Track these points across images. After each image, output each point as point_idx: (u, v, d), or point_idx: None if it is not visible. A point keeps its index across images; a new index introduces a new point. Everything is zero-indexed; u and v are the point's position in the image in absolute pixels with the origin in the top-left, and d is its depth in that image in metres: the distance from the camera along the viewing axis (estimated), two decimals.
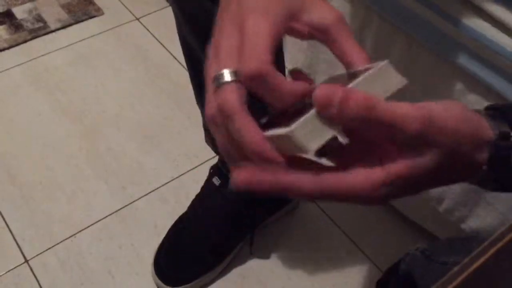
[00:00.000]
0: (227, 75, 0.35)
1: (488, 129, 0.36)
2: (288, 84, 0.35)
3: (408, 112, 0.32)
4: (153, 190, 1.06)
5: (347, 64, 0.38)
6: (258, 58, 0.34)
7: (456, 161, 0.35)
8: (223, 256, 0.95)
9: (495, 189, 0.39)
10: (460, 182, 0.38)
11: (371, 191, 0.34)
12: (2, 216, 1.00)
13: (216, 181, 0.93)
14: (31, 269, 0.94)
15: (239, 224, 0.94)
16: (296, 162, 0.34)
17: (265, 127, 0.35)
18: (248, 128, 0.34)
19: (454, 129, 0.34)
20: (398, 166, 0.34)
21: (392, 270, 0.92)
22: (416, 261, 0.86)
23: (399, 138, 0.33)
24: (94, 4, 1.42)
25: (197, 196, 0.97)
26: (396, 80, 0.35)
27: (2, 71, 1.25)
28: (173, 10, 0.77)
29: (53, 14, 1.38)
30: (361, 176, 0.34)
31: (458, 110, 0.35)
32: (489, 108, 0.39)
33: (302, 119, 0.32)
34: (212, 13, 0.68)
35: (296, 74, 0.41)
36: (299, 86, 0.36)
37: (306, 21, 0.38)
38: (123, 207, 1.04)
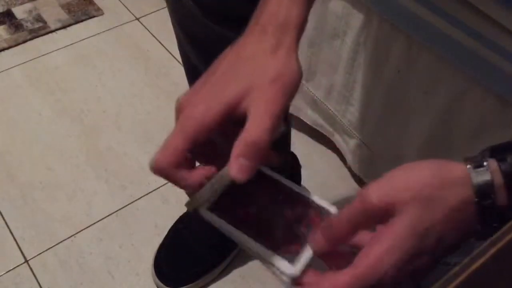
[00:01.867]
0: None
1: (456, 164, 0.38)
2: (186, 177, 0.41)
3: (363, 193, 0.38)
4: (153, 190, 1.06)
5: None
6: (164, 156, 0.40)
7: (435, 208, 0.36)
8: (223, 256, 0.94)
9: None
10: (467, 236, 0.38)
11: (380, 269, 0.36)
12: (2, 216, 1.00)
13: None
14: (31, 269, 0.94)
15: None
16: None
17: None
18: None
19: (414, 179, 0.37)
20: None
21: None
22: None
23: (365, 222, 0.38)
24: (94, 4, 1.42)
25: None
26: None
27: (2, 71, 1.25)
28: (174, 29, 0.78)
29: (53, 14, 1.38)
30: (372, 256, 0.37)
31: (416, 164, 0.38)
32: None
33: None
34: (214, 32, 0.69)
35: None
36: (197, 176, 0.41)
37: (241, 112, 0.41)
38: (123, 207, 1.04)
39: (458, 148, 0.82)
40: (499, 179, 0.36)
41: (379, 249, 0.36)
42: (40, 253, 0.96)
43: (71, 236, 0.99)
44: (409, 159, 0.92)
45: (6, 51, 1.29)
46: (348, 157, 1.07)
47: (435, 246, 0.37)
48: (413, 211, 0.36)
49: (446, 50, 0.74)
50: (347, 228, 0.38)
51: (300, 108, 1.11)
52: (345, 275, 0.37)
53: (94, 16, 1.39)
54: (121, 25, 1.39)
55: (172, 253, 0.94)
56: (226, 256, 0.95)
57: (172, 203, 1.05)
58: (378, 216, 0.37)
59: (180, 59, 1.31)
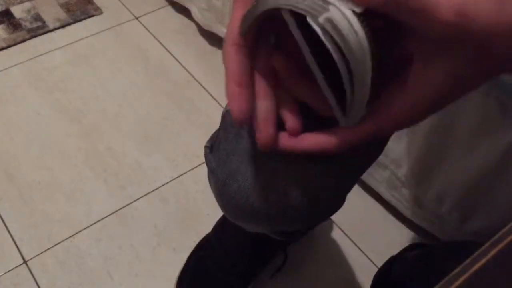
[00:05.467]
0: None
1: None
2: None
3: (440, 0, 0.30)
4: (152, 190, 1.06)
5: None
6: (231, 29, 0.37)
7: (487, 58, 0.32)
8: (249, 281, 0.91)
9: None
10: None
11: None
12: (1, 217, 1.00)
13: None
14: (30, 270, 0.94)
15: (267, 249, 0.91)
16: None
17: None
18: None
19: (487, 22, 0.31)
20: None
21: (383, 273, 0.92)
22: (411, 267, 0.85)
23: (429, 28, 0.31)
24: (93, 3, 1.42)
25: (219, 222, 0.91)
26: None
27: (1, 70, 1.25)
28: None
29: (51, 13, 1.38)
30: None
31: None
32: None
33: None
34: None
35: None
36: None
37: None
38: (123, 207, 1.03)
39: (457, 150, 0.82)
40: None
41: (407, 100, 0.34)
42: (39, 254, 0.96)
43: (70, 236, 0.98)
44: (409, 160, 0.92)
45: (4, 50, 1.29)
46: None
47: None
48: (460, 51, 0.31)
49: None
50: None
51: None
52: (364, 125, 0.35)
53: (93, 15, 1.39)
54: (120, 24, 1.38)
55: (198, 283, 0.90)
56: (252, 281, 0.91)
57: (171, 203, 1.04)
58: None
59: (179, 58, 1.31)
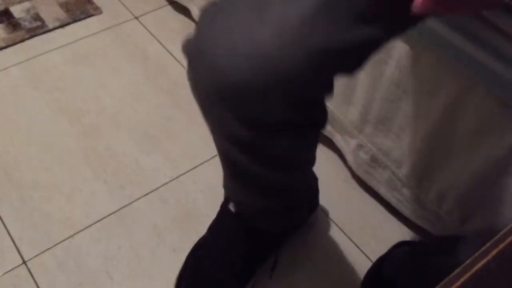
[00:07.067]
0: None
1: None
2: None
3: None
4: (152, 191, 1.06)
5: None
6: None
7: None
8: (247, 281, 0.91)
9: None
10: None
11: None
12: (0, 217, 1.00)
13: (232, 207, 0.87)
14: (29, 270, 0.94)
15: (262, 247, 0.91)
16: None
17: None
18: None
19: None
20: None
21: (374, 271, 0.92)
22: (401, 264, 0.85)
23: None
24: (92, 3, 1.42)
25: (214, 222, 0.92)
26: None
27: (0, 70, 1.25)
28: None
29: (51, 13, 1.37)
30: None
31: None
32: None
33: None
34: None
35: None
36: None
37: None
38: (122, 207, 1.03)
39: (459, 150, 0.82)
40: None
41: None
42: (38, 254, 0.95)
43: (69, 236, 0.98)
44: (409, 160, 0.92)
45: (4, 50, 1.28)
46: (349, 157, 1.06)
47: None
48: None
49: (447, 52, 0.74)
50: None
51: None
52: None
53: (92, 15, 1.39)
54: (119, 24, 1.38)
55: (196, 283, 0.90)
56: (249, 280, 0.91)
57: (171, 203, 1.04)
58: None
59: (179, 58, 1.31)
